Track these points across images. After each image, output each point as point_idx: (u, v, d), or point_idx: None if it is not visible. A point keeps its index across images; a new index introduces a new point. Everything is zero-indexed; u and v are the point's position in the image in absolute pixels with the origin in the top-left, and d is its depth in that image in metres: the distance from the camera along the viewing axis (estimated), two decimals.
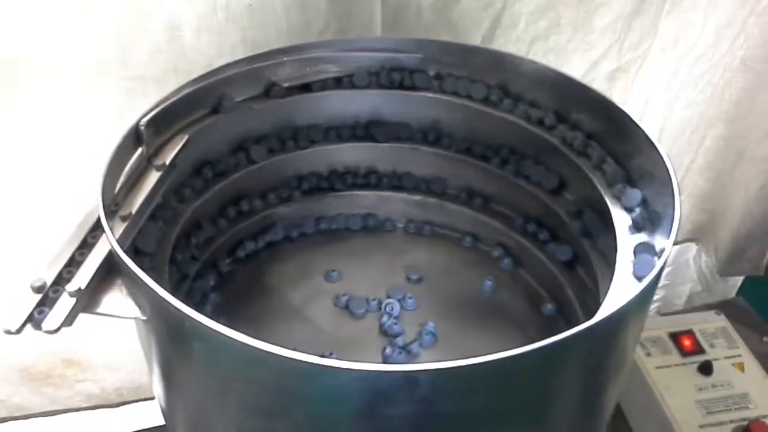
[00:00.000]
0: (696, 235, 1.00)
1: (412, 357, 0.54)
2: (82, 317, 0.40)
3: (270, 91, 0.59)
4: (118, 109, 0.61)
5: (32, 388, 0.81)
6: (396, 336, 0.55)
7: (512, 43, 0.75)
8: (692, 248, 1.03)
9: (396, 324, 0.56)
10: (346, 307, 0.58)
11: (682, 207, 0.89)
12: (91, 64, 0.62)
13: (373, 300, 0.58)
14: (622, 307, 0.37)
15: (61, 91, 0.62)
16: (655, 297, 1.04)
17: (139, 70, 0.63)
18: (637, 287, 0.39)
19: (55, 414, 0.83)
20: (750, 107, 0.85)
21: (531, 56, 0.74)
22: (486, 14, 0.72)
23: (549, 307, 0.58)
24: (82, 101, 0.63)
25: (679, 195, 0.45)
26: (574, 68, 0.78)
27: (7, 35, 0.58)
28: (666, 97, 0.83)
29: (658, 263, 0.41)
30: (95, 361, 0.81)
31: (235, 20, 0.64)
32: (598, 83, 0.79)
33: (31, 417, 0.82)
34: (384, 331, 0.56)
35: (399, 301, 0.58)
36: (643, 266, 0.44)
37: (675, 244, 0.97)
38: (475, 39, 0.73)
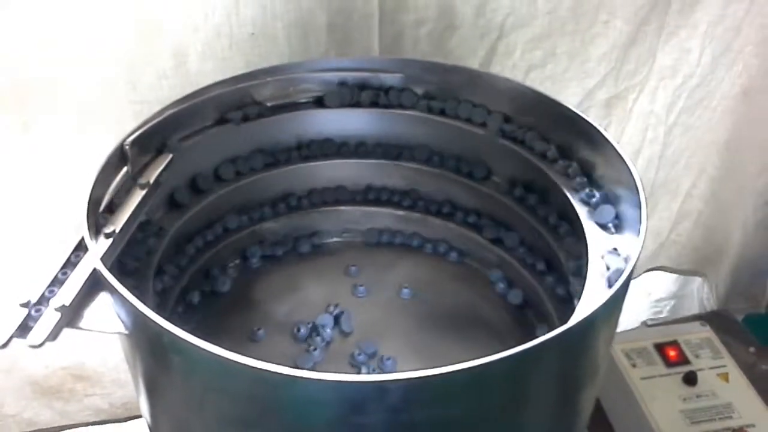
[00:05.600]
0: (701, 267, 0.98)
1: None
2: (67, 332, 0.41)
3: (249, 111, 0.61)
4: (126, 132, 0.62)
5: (43, 402, 0.82)
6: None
7: (509, 70, 0.75)
8: (696, 280, 1.01)
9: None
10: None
11: (685, 234, 0.91)
12: (100, 87, 0.63)
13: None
14: (588, 316, 0.38)
15: (70, 114, 0.64)
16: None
17: (145, 95, 0.65)
18: (605, 295, 0.40)
19: (64, 429, 0.84)
20: (749, 138, 0.84)
21: (528, 84, 0.76)
22: (482, 43, 0.73)
23: (538, 327, 0.59)
24: (90, 124, 0.64)
25: (647, 206, 0.46)
26: (571, 95, 0.79)
27: (16, 56, 0.60)
28: (665, 124, 0.83)
29: (625, 271, 0.42)
30: (104, 377, 0.82)
31: (238, 47, 0.66)
32: (595, 110, 0.81)
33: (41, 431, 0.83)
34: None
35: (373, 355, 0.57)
36: (612, 275, 0.45)
37: (681, 274, 1.00)
38: (472, 67, 0.74)
